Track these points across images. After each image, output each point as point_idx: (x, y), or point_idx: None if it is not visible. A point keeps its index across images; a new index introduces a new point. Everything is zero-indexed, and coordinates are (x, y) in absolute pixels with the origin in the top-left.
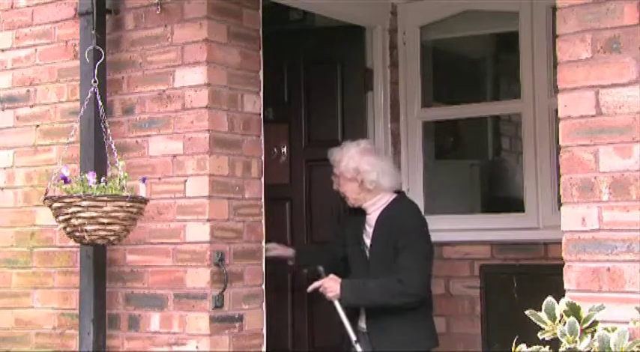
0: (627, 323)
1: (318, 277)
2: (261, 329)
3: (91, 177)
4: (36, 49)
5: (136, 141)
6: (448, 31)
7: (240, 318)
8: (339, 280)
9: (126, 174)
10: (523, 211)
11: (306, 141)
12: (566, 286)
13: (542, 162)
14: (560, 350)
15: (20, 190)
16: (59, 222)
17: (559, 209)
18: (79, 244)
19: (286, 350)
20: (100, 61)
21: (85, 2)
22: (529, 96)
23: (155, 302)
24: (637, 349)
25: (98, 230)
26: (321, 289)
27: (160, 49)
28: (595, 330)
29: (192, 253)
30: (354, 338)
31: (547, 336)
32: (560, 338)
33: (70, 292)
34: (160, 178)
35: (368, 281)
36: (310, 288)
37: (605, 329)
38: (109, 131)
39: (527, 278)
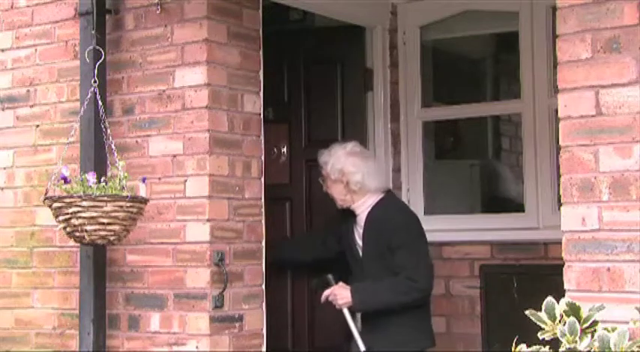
0: (627, 323)
1: (327, 286)
2: (261, 329)
3: (91, 177)
4: (36, 49)
5: (136, 141)
6: (448, 31)
7: (240, 318)
8: (348, 287)
9: (126, 174)
10: (522, 211)
11: (306, 141)
12: (566, 286)
13: (542, 162)
14: (560, 350)
15: (20, 190)
16: (59, 222)
17: (559, 209)
18: (79, 244)
19: (286, 350)
20: (100, 61)
21: (85, 2)
22: (529, 96)
23: (155, 302)
24: (637, 349)
25: (98, 230)
26: (331, 297)
27: (160, 49)
28: (595, 330)
29: (192, 253)
30: (363, 348)
31: (547, 336)
32: (560, 338)
33: (70, 292)
34: (160, 178)
35: (375, 283)
36: (323, 299)
37: (605, 329)
38: (109, 131)
39: (527, 278)
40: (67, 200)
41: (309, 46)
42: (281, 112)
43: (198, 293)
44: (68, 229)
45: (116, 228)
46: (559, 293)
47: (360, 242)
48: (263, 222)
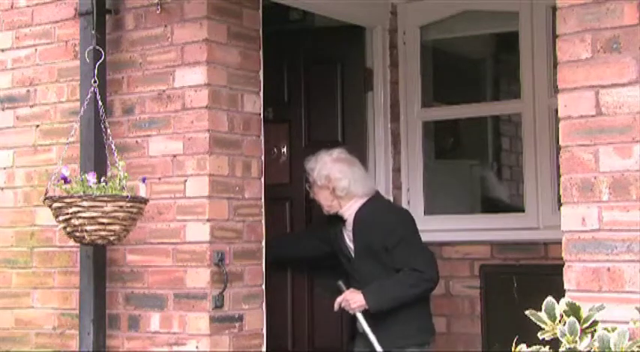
0: (627, 323)
1: (337, 292)
2: (261, 329)
3: (91, 177)
4: (36, 49)
5: (136, 141)
6: (448, 31)
7: (240, 318)
8: (359, 291)
9: (126, 174)
10: (522, 211)
11: (306, 141)
12: (566, 286)
13: (542, 162)
14: (560, 350)
15: (20, 190)
16: (59, 222)
17: (559, 209)
18: (79, 244)
19: (286, 350)
20: (100, 61)
21: (85, 2)
22: (529, 96)
23: (155, 302)
24: (637, 349)
25: (98, 230)
26: (343, 304)
27: (160, 49)
28: (595, 330)
29: (192, 253)
30: (380, 349)
31: (547, 336)
32: (560, 338)
33: (70, 292)
34: (160, 178)
35: (383, 281)
36: (336, 307)
37: (605, 329)
38: (109, 131)
39: (527, 278)
40: (67, 200)
41: (309, 46)
42: (281, 112)
43: (198, 293)
44: (68, 229)
45: (116, 228)
46: (559, 293)
47: (350, 244)
48: (263, 222)
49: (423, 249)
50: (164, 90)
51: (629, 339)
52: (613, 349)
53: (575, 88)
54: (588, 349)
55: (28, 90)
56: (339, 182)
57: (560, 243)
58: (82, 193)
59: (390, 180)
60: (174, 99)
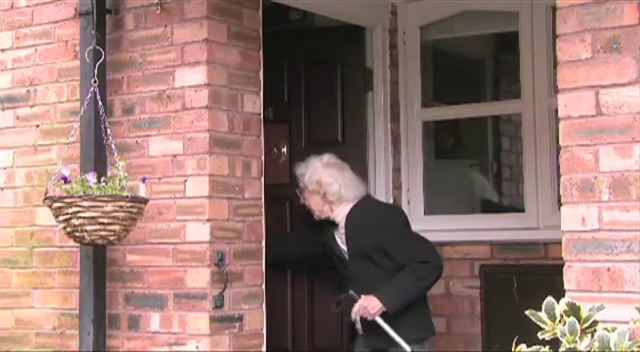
0: (627, 323)
1: (351, 302)
2: (261, 329)
3: (91, 177)
4: (36, 49)
5: (136, 141)
6: (448, 31)
7: (240, 318)
8: (372, 296)
9: (126, 174)
10: (522, 211)
11: (306, 141)
12: (566, 286)
13: (542, 162)
14: (560, 350)
15: (20, 190)
16: (59, 222)
17: (559, 209)
18: (79, 244)
19: (286, 350)
20: (100, 61)
21: (85, 2)
22: (529, 96)
23: (155, 302)
24: (637, 349)
25: (98, 230)
26: (361, 312)
27: (160, 49)
28: (595, 330)
29: (192, 253)
30: (408, 349)
31: (547, 336)
32: (560, 338)
33: (70, 292)
34: (160, 178)
35: (394, 280)
36: (353, 317)
37: (605, 329)
38: (109, 131)
39: (527, 278)
40: (67, 200)
41: (309, 46)
42: (281, 112)
43: (198, 293)
44: (68, 229)
45: (116, 228)
46: (559, 293)
47: (344, 247)
48: (263, 222)
49: (421, 239)
50: (164, 90)
51: (629, 339)
52: (613, 349)
53: (575, 87)
54: (588, 349)
55: (28, 90)
56: (330, 187)
57: (560, 243)
58: (82, 193)
59: (390, 180)
60: (174, 99)
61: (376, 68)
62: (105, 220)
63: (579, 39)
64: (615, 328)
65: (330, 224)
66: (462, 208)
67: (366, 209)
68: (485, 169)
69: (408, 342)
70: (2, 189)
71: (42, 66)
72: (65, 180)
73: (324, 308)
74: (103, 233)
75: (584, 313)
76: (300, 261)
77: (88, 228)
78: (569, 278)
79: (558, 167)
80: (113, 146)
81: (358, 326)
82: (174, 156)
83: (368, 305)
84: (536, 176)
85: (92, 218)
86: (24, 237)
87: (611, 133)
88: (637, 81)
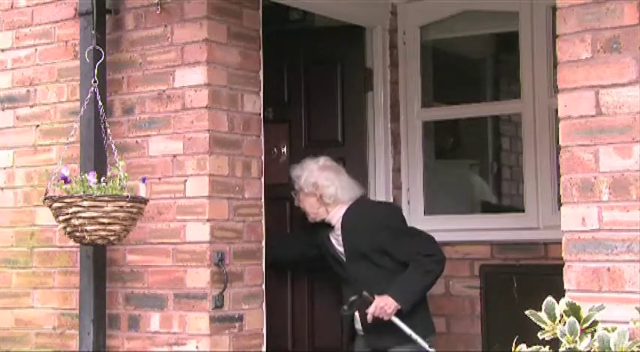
0: (627, 323)
1: (365, 304)
2: (261, 329)
3: (91, 177)
4: (36, 49)
5: (136, 141)
6: (448, 31)
7: (240, 318)
8: (386, 296)
9: (126, 174)
10: (522, 211)
11: (306, 141)
12: (566, 286)
13: (542, 162)
14: (560, 350)
15: (20, 190)
16: (59, 222)
17: (559, 209)
18: (78, 244)
19: (286, 350)
20: (100, 61)
21: (85, 2)
22: (529, 96)
23: (155, 302)
24: (637, 349)
25: (98, 230)
26: (377, 312)
27: (160, 49)
28: (595, 330)
29: (192, 253)
30: (427, 346)
31: (547, 336)
32: (560, 338)
33: (70, 292)
34: (160, 178)
35: (403, 277)
36: (369, 318)
37: (605, 329)
38: (109, 131)
39: (527, 278)
40: (68, 200)
41: (309, 46)
42: (281, 112)
43: (198, 293)
44: (68, 229)
45: (116, 228)
46: (559, 293)
47: (340, 248)
48: (263, 222)
49: (421, 233)
50: (164, 90)
51: (629, 339)
52: (613, 349)
53: (575, 87)
54: (588, 349)
55: (28, 90)
56: (326, 189)
57: (560, 243)
58: (82, 193)
59: (390, 180)
60: (174, 99)
61: (376, 68)
62: (105, 220)
63: (579, 39)
64: (615, 328)
65: (325, 226)
66: (462, 208)
67: (361, 210)
68: (485, 169)
69: (408, 341)
70: (2, 189)
71: (42, 66)
72: (65, 180)
73: (324, 309)
74: (103, 233)
75: (584, 313)
76: (297, 263)
77: (88, 227)
78: (569, 278)
79: (558, 167)
80: (113, 146)
81: (358, 326)
82: (174, 156)
83: (385, 305)
84: (536, 176)
85: (92, 218)
86: (24, 237)
87: (611, 133)
88: (637, 81)
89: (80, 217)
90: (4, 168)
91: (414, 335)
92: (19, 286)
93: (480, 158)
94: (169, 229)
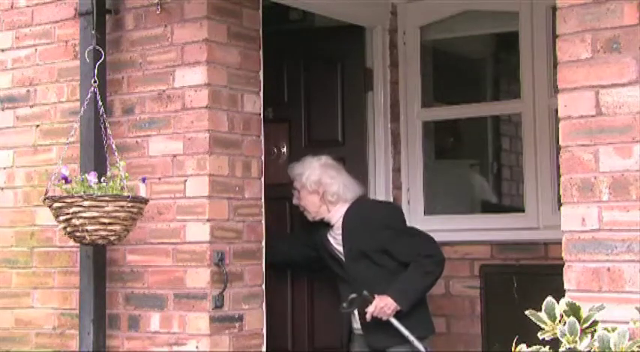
0: (627, 323)
1: (365, 303)
2: (261, 329)
3: (92, 177)
4: (36, 49)
5: (136, 141)
6: (448, 31)
7: (240, 318)
8: (386, 296)
9: (127, 174)
10: (522, 211)
11: (306, 141)
12: (566, 286)
13: (542, 162)
14: (560, 350)
15: (20, 190)
16: (59, 222)
17: (559, 209)
18: (79, 244)
19: (286, 350)
20: (100, 61)
21: (85, 2)
22: (529, 96)
23: (155, 302)
24: (637, 349)
25: (99, 230)
26: (376, 312)
27: (160, 49)
28: (595, 330)
29: (192, 253)
30: (422, 348)
31: (547, 336)
32: (560, 338)
33: (70, 292)
34: (160, 178)
35: (403, 277)
36: (368, 317)
37: (605, 329)
38: (109, 131)
39: (527, 278)
40: (68, 200)
41: (309, 46)
42: (281, 112)
43: (198, 293)
44: (69, 229)
45: (117, 228)
46: (559, 293)
47: (339, 247)
48: (263, 222)
49: (421, 233)
50: (164, 90)
51: (629, 339)
52: (613, 349)
53: (575, 87)
54: (588, 349)
55: (28, 90)
56: (330, 187)
57: (560, 243)
58: (83, 193)
59: (390, 180)
60: (174, 99)
61: (376, 68)
62: (106, 220)
63: (579, 39)
64: (615, 328)
65: (323, 225)
66: (461, 208)
67: (362, 209)
68: (485, 169)
69: (408, 341)
70: (2, 189)
71: (42, 66)
72: (66, 180)
73: (324, 309)
74: (103, 233)
75: (584, 313)
76: (298, 264)
77: (89, 227)
78: (569, 278)
79: (558, 167)
80: (113, 146)
81: (357, 325)
82: (174, 156)
83: (384, 306)
84: (536, 176)
85: (93, 218)
86: (24, 237)
87: (611, 133)
88: (637, 81)
89: (81, 217)
90: (4, 168)
91: (411, 337)
92: (19, 286)
93: (480, 158)
94: (169, 229)
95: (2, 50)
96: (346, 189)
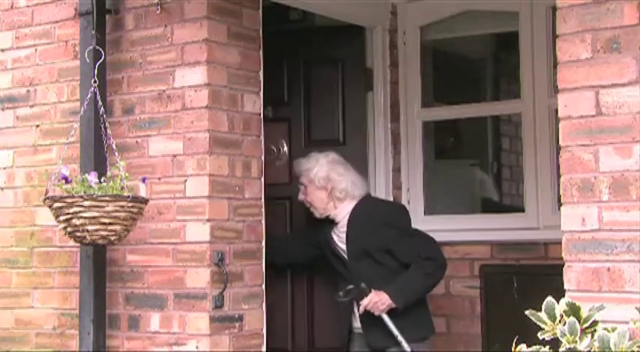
0: (627, 323)
1: (360, 296)
2: (261, 329)
3: (92, 177)
4: (36, 49)
5: (136, 141)
6: (448, 31)
7: (240, 318)
8: (382, 292)
9: (127, 174)
10: (522, 211)
11: (306, 141)
12: (566, 286)
13: (542, 162)
14: (560, 350)
15: (20, 190)
16: (60, 222)
17: (559, 209)
18: (79, 244)
19: (286, 350)
20: (100, 61)
21: (85, 2)
22: (529, 96)
23: (155, 302)
24: (637, 349)
25: (99, 230)
26: (370, 306)
27: (160, 49)
28: (595, 330)
29: (192, 253)
30: (408, 349)
31: (547, 336)
32: (560, 338)
33: (70, 292)
34: (159, 178)
35: (403, 277)
36: (361, 310)
37: (605, 329)
38: (109, 131)
39: (527, 278)
40: (69, 200)
41: (309, 46)
42: (281, 112)
43: (198, 293)
44: (69, 229)
45: (117, 228)
46: (559, 293)
47: (343, 246)
48: (263, 222)
49: (425, 236)
50: (164, 90)
51: (629, 339)
52: (613, 349)
53: (575, 87)
54: (588, 349)
55: (28, 90)
56: (338, 183)
57: (560, 243)
58: (83, 193)
59: (390, 180)
60: (174, 99)
61: (376, 68)
62: (106, 220)
63: (579, 39)
64: (615, 328)
65: (327, 223)
66: (462, 208)
67: (369, 207)
68: (485, 169)
69: (408, 341)
70: (2, 189)
71: (42, 66)
72: (66, 180)
73: (324, 309)
74: (104, 233)
75: (584, 313)
76: (300, 263)
77: (89, 227)
78: (569, 278)
79: (558, 167)
80: (113, 146)
81: (357, 325)
82: (174, 156)
83: (379, 302)
84: (536, 176)
85: (93, 218)
86: (24, 237)
87: (611, 133)
88: (637, 81)
89: (81, 217)
90: (4, 168)
91: (400, 337)
92: (19, 286)
93: (480, 158)
94: (169, 229)
95: (2, 50)
96: (354, 186)
